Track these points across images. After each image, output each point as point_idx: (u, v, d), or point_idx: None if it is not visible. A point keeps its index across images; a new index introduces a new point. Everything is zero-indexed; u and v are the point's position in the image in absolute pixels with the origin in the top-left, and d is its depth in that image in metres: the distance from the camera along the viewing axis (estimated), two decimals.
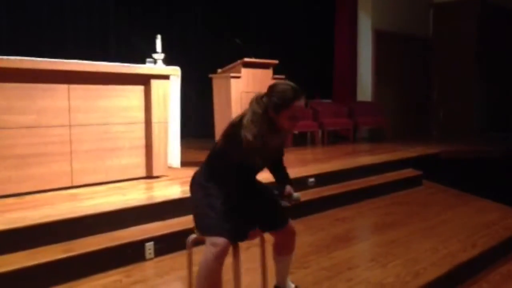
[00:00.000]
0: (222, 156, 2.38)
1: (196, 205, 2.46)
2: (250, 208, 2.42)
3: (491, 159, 7.47)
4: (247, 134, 2.25)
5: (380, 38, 9.48)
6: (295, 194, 2.47)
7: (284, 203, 2.43)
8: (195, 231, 2.52)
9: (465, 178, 6.75)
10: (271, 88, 2.37)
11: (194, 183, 2.50)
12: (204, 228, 2.35)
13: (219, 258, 2.26)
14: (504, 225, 4.50)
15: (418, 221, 4.55)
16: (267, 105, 2.31)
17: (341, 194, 5.06)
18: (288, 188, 2.50)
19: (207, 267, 2.26)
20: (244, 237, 2.43)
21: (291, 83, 2.37)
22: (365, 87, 9.57)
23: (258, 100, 2.35)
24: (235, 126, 2.31)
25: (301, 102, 2.33)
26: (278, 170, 2.60)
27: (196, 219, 2.45)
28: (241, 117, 2.33)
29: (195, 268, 2.58)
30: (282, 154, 2.62)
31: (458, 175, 6.84)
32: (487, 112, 10.68)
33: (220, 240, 2.26)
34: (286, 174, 2.61)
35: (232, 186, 2.39)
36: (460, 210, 5.06)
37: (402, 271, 3.23)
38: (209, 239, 2.29)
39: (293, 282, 2.70)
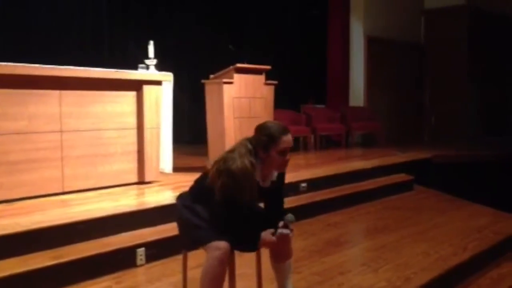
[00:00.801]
0: (209, 193, 2.34)
1: (185, 225, 2.45)
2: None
3: (482, 163, 7.52)
4: (232, 166, 2.28)
5: (372, 44, 9.54)
6: (288, 216, 2.41)
7: (284, 231, 2.39)
8: (183, 251, 2.52)
9: (457, 183, 6.79)
10: (258, 128, 2.42)
11: (180, 207, 2.49)
12: (201, 239, 2.35)
13: (223, 262, 2.28)
14: (495, 230, 4.53)
15: (409, 225, 4.57)
16: (256, 145, 2.36)
17: (333, 199, 5.07)
18: (281, 223, 2.43)
19: (212, 273, 2.27)
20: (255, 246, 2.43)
21: (276, 122, 2.48)
22: (358, 92, 9.62)
23: (245, 141, 2.40)
24: (225, 162, 2.33)
25: (289, 137, 2.38)
26: (274, 207, 2.56)
27: (188, 237, 2.45)
28: (227, 155, 2.36)
29: (189, 274, 2.60)
30: (279, 195, 2.56)
31: (449, 180, 6.89)
32: (478, 117, 10.75)
33: (222, 244, 2.28)
34: (279, 211, 2.53)
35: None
36: (451, 215, 5.09)
37: (393, 276, 3.25)
38: (210, 246, 2.29)
39: None
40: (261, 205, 2.61)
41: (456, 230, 4.46)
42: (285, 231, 2.36)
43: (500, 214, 5.21)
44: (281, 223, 2.40)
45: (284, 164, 2.43)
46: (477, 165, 7.45)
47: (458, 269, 3.57)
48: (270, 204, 2.56)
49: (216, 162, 2.39)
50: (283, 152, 2.37)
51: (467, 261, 3.71)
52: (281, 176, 2.52)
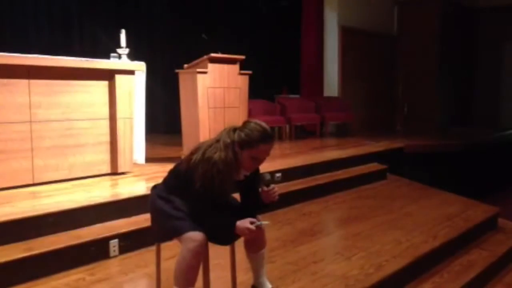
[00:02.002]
0: (187, 181, 2.32)
1: (160, 215, 2.42)
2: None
3: (453, 153, 7.68)
4: (215, 156, 2.26)
5: (346, 34, 9.59)
6: (266, 176, 2.44)
7: (264, 223, 2.39)
8: (156, 243, 2.50)
9: (428, 172, 6.93)
10: (244, 123, 2.39)
11: (154, 197, 2.46)
12: (176, 229, 2.32)
13: (198, 253, 2.27)
14: (465, 217, 4.64)
15: (382, 214, 4.64)
16: (235, 139, 2.33)
17: (308, 189, 5.10)
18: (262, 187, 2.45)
19: (187, 264, 2.26)
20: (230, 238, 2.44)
21: (265, 125, 2.37)
22: (332, 82, 9.67)
23: (229, 131, 2.37)
24: (200, 152, 2.31)
25: (267, 146, 2.33)
26: (248, 200, 2.54)
27: (163, 227, 2.41)
28: (209, 143, 2.35)
29: (163, 265, 2.58)
30: (254, 189, 2.51)
31: (421, 169, 7.02)
32: (450, 107, 10.96)
33: (197, 235, 2.27)
34: (254, 204, 2.52)
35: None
36: (423, 203, 5.18)
37: (366, 264, 3.30)
38: (185, 237, 2.28)
39: (271, 283, 2.70)
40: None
41: (427, 218, 4.55)
42: (265, 222, 2.36)
43: (470, 202, 5.33)
44: (262, 188, 2.41)
45: (252, 168, 2.40)
46: (447, 154, 7.61)
47: (429, 256, 3.65)
48: (245, 197, 2.55)
49: (199, 149, 2.35)
50: (256, 158, 2.34)
51: (438, 248, 3.79)
52: (255, 170, 2.50)
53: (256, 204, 2.48)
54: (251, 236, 2.41)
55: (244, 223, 2.31)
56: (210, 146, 2.34)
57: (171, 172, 2.50)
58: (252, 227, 2.31)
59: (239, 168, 2.39)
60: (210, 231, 2.32)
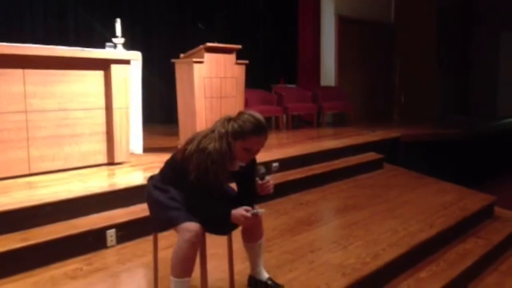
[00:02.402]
0: (182, 171, 2.31)
1: (157, 206, 2.41)
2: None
3: (450, 142, 7.70)
4: (209, 146, 2.26)
5: (343, 23, 9.55)
6: (260, 169, 2.44)
7: (260, 211, 2.39)
8: (154, 235, 2.50)
9: (425, 161, 6.95)
10: (238, 114, 2.37)
11: (151, 188, 2.45)
12: (172, 220, 2.32)
13: (194, 244, 2.26)
14: (461, 206, 4.65)
15: (379, 203, 4.65)
16: (228, 129, 2.32)
17: (305, 178, 5.11)
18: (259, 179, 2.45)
19: (183, 254, 2.26)
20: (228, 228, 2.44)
21: (259, 117, 2.35)
22: (329, 72, 9.65)
23: (223, 122, 2.35)
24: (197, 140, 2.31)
25: (260, 138, 2.32)
26: (244, 190, 2.53)
27: (160, 218, 2.41)
28: (204, 133, 2.34)
29: (160, 254, 2.59)
30: (250, 179, 2.49)
31: (418, 158, 7.03)
32: (447, 96, 10.97)
33: (193, 225, 2.27)
34: (251, 194, 2.50)
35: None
36: (419, 192, 5.20)
37: (363, 252, 3.31)
38: (182, 227, 2.27)
39: (268, 272, 2.71)
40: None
41: (424, 207, 4.56)
42: (260, 210, 2.36)
43: (466, 190, 5.35)
44: (259, 180, 2.41)
45: (245, 159, 2.39)
46: (444, 143, 7.62)
47: (425, 244, 3.66)
48: (241, 187, 2.54)
49: (194, 139, 2.34)
50: (248, 150, 2.33)
51: (434, 236, 3.80)
52: (251, 160, 2.48)
53: (252, 194, 2.47)
54: (247, 224, 2.40)
55: (239, 211, 2.30)
56: (205, 136, 2.33)
57: (167, 163, 2.50)
58: (248, 214, 2.30)
59: (234, 158, 2.38)
60: (206, 221, 2.31)
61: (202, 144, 2.28)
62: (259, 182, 2.42)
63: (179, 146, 2.58)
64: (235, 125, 2.31)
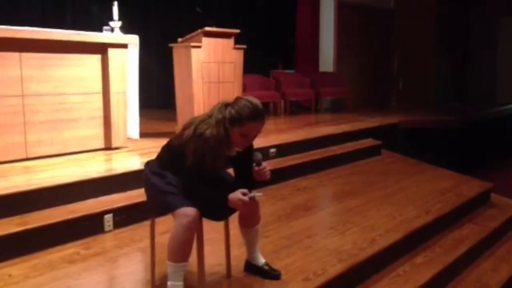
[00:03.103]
0: (179, 157, 2.30)
1: (154, 190, 2.42)
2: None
3: (447, 128, 7.70)
4: (207, 132, 2.25)
5: (342, 8, 9.48)
6: (257, 155, 2.44)
7: (257, 194, 2.38)
8: (151, 217, 2.51)
9: (422, 147, 6.96)
10: (235, 100, 2.36)
11: (148, 173, 2.45)
12: (169, 205, 2.32)
13: (191, 229, 2.27)
14: (457, 193, 4.67)
15: (376, 189, 4.67)
16: (226, 115, 2.30)
17: (302, 164, 5.11)
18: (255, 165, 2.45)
19: (180, 239, 2.26)
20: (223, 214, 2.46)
21: (256, 102, 2.33)
22: (327, 57, 9.60)
23: (221, 107, 2.34)
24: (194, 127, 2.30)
25: (257, 124, 2.31)
26: (242, 175, 2.52)
27: (157, 203, 2.42)
28: (201, 119, 2.32)
29: (157, 239, 2.60)
30: (247, 163, 2.48)
31: (415, 144, 7.04)
32: (445, 82, 10.95)
33: (190, 210, 2.27)
34: (248, 179, 2.50)
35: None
36: (417, 179, 5.21)
37: (359, 238, 3.33)
38: (179, 212, 2.28)
39: (264, 257, 2.73)
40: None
41: (421, 193, 4.58)
42: (258, 194, 2.36)
43: (462, 177, 5.37)
44: (255, 165, 2.41)
45: (243, 145, 2.39)
46: (441, 130, 7.62)
47: (422, 230, 3.69)
48: (238, 173, 2.54)
49: (191, 124, 2.33)
50: (245, 135, 2.32)
51: (431, 223, 3.83)
52: (249, 146, 2.47)
53: (248, 180, 2.48)
54: (245, 208, 2.40)
55: (236, 195, 2.30)
56: (202, 121, 2.31)
57: (164, 148, 2.49)
58: (245, 198, 2.31)
59: (231, 144, 2.38)
60: (203, 206, 2.32)
61: (200, 129, 2.27)
62: (256, 168, 2.42)
63: (177, 131, 2.58)
64: (232, 111, 2.30)
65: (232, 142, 2.36)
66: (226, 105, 2.35)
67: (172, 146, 2.41)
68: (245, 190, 2.33)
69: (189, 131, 2.30)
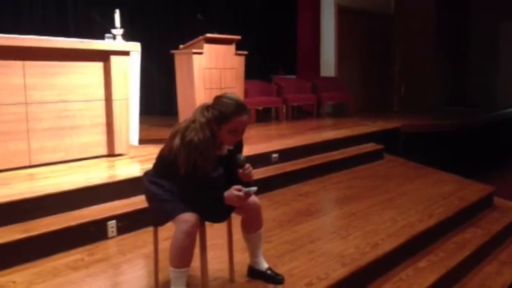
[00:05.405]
0: (172, 166, 2.32)
1: (153, 199, 2.44)
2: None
3: (449, 132, 7.70)
4: (194, 138, 2.26)
5: (343, 13, 9.51)
6: (241, 157, 2.45)
7: (252, 189, 2.38)
8: (154, 227, 2.52)
9: (424, 151, 6.96)
10: (215, 100, 2.39)
11: (146, 183, 2.47)
12: (168, 212, 2.34)
13: (191, 234, 2.28)
14: (460, 196, 4.67)
15: (378, 194, 4.67)
16: (210, 117, 2.33)
17: (304, 169, 5.12)
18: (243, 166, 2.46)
19: (180, 246, 2.28)
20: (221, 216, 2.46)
21: (236, 97, 2.39)
22: (329, 62, 9.62)
23: (203, 110, 2.37)
24: (180, 134, 2.31)
25: (243, 118, 2.34)
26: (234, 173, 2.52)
27: (157, 211, 2.44)
28: (186, 125, 2.34)
29: (160, 245, 2.61)
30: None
31: (417, 148, 7.05)
32: (446, 86, 10.95)
33: (189, 216, 2.28)
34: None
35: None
36: (419, 183, 5.21)
37: (362, 242, 3.33)
38: (178, 218, 2.29)
39: (267, 262, 2.73)
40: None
41: (423, 197, 4.58)
42: (253, 189, 2.36)
43: (465, 181, 5.36)
44: (243, 168, 2.42)
45: (233, 141, 2.41)
46: (443, 134, 7.63)
47: (424, 235, 3.68)
48: (230, 170, 2.53)
49: (177, 132, 2.33)
50: (234, 131, 2.35)
51: (433, 227, 3.82)
52: (238, 143, 2.50)
53: (236, 180, 2.47)
54: (242, 203, 2.40)
55: (231, 192, 2.32)
56: (187, 128, 2.32)
57: (157, 158, 2.51)
58: (241, 194, 2.32)
59: (220, 144, 2.40)
60: (202, 210, 2.33)
61: (187, 137, 2.29)
62: (240, 170, 2.43)
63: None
64: (215, 112, 2.33)
65: (221, 141, 2.39)
66: (207, 107, 2.37)
67: (163, 158, 2.42)
68: (238, 186, 2.34)
69: (177, 140, 2.31)
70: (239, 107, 2.33)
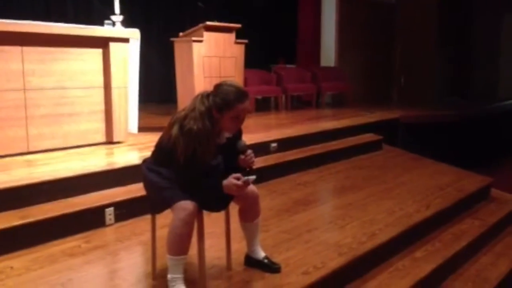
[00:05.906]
0: (171, 155, 2.31)
1: (151, 187, 2.44)
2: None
3: (448, 124, 7.70)
4: (194, 127, 2.26)
5: (344, 3, 9.45)
6: (242, 142, 2.45)
7: (251, 177, 2.38)
8: (152, 215, 2.52)
9: (423, 142, 6.96)
10: (216, 87, 2.38)
11: (145, 171, 2.47)
12: (167, 199, 2.34)
13: (188, 222, 2.28)
14: (457, 187, 4.68)
15: (376, 184, 4.68)
16: (211, 105, 2.32)
17: (303, 159, 5.12)
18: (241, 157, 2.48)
19: (178, 233, 2.28)
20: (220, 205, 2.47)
21: (237, 84, 2.40)
22: (329, 52, 9.59)
23: (203, 98, 2.36)
24: (180, 123, 2.30)
25: (245, 104, 2.35)
26: (233, 162, 2.52)
27: (155, 199, 2.44)
28: (185, 114, 2.33)
29: (158, 233, 2.61)
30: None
31: (416, 139, 7.05)
32: (447, 78, 10.92)
33: (187, 204, 2.28)
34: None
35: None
36: (417, 173, 5.22)
37: (359, 232, 3.34)
38: (176, 206, 2.29)
39: (264, 251, 2.74)
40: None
41: (421, 188, 4.59)
42: (251, 177, 2.36)
43: (462, 172, 5.37)
44: (242, 156, 2.42)
45: (235, 129, 2.41)
46: (442, 125, 7.62)
47: (421, 225, 3.70)
48: (229, 159, 2.54)
49: (175, 121, 2.32)
50: (236, 118, 2.35)
51: (430, 217, 3.84)
52: (238, 132, 2.49)
53: (236, 168, 2.47)
54: (241, 192, 2.40)
55: (230, 181, 2.31)
56: (186, 117, 2.31)
57: (156, 146, 2.50)
58: (239, 182, 2.32)
59: (220, 132, 2.40)
60: (201, 199, 2.33)
61: (186, 126, 2.27)
62: (241, 156, 2.44)
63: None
64: (217, 99, 2.33)
65: (221, 129, 2.39)
66: (208, 95, 2.37)
67: (162, 144, 2.42)
68: (237, 175, 2.34)
69: (175, 130, 2.30)
70: (241, 94, 2.34)
